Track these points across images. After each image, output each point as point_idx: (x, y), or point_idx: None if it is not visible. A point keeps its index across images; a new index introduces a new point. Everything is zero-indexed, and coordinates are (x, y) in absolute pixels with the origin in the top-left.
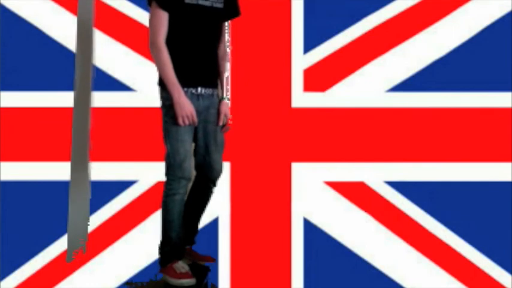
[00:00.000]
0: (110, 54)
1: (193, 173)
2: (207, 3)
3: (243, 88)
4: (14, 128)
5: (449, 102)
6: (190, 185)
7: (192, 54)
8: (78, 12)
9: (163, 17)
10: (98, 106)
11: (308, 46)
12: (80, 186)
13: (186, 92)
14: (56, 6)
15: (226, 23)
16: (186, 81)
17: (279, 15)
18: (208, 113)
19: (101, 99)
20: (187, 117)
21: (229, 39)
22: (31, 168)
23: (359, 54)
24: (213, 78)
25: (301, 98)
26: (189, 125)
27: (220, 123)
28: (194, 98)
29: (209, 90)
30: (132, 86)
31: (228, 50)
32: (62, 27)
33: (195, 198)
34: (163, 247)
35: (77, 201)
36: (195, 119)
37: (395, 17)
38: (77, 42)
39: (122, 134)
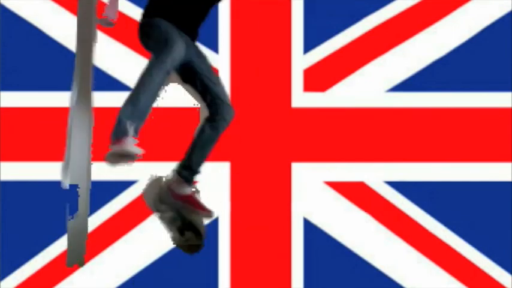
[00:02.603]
0: (110, 54)
1: None
2: None
3: (243, 88)
4: (14, 128)
5: (449, 102)
6: None
7: (184, 10)
8: (78, 12)
9: None
10: (98, 106)
11: (308, 46)
12: (79, 185)
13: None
14: (56, 6)
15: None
16: (171, 20)
17: (279, 15)
18: (196, 50)
19: (101, 99)
20: None
21: None
22: (31, 168)
23: (359, 54)
24: (195, 33)
25: (301, 98)
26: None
27: None
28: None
29: None
30: (132, 86)
31: None
32: (62, 27)
33: (204, 131)
34: (124, 113)
35: (77, 200)
36: None
37: (395, 17)
38: (77, 42)
39: None
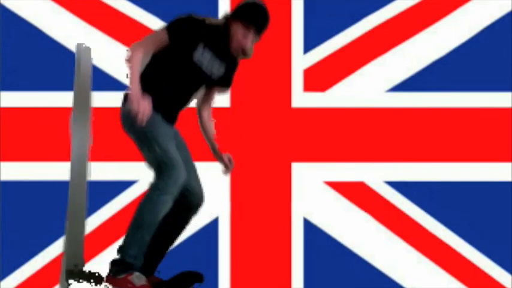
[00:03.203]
0: (110, 54)
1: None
2: (208, 72)
3: (243, 88)
4: (14, 128)
5: (449, 102)
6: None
7: (171, 96)
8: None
9: (162, 41)
10: (98, 106)
11: (308, 46)
12: (79, 186)
13: (157, 113)
14: (56, 6)
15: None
16: (159, 109)
17: (279, 15)
18: (177, 132)
19: (101, 99)
20: (145, 110)
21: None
22: (31, 168)
23: (359, 54)
24: (177, 116)
25: (301, 98)
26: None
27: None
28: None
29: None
30: None
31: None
32: (62, 27)
33: (169, 225)
34: (130, 248)
35: (77, 200)
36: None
37: (395, 17)
38: (76, 44)
39: (122, 134)
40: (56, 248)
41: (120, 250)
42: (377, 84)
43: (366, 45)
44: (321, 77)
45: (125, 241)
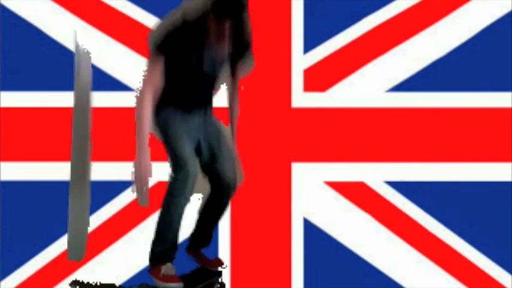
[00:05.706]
0: (110, 54)
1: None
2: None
3: (243, 88)
4: (14, 128)
5: (449, 102)
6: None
7: (188, 89)
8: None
9: (160, 62)
10: (98, 106)
11: (308, 46)
12: (80, 186)
13: (176, 110)
14: (56, 6)
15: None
16: (178, 105)
17: (279, 15)
18: (207, 124)
19: (101, 99)
20: (140, 178)
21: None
22: (31, 168)
23: (359, 54)
24: (206, 104)
25: (301, 98)
26: (189, 131)
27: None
28: (186, 114)
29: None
30: (132, 86)
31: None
32: (62, 27)
33: (209, 208)
34: (156, 246)
35: (77, 201)
36: (147, 181)
37: (395, 17)
38: (75, 44)
39: (122, 134)
40: (56, 248)
41: (151, 246)
42: (377, 84)
43: (366, 45)
44: (321, 77)
45: (153, 239)
